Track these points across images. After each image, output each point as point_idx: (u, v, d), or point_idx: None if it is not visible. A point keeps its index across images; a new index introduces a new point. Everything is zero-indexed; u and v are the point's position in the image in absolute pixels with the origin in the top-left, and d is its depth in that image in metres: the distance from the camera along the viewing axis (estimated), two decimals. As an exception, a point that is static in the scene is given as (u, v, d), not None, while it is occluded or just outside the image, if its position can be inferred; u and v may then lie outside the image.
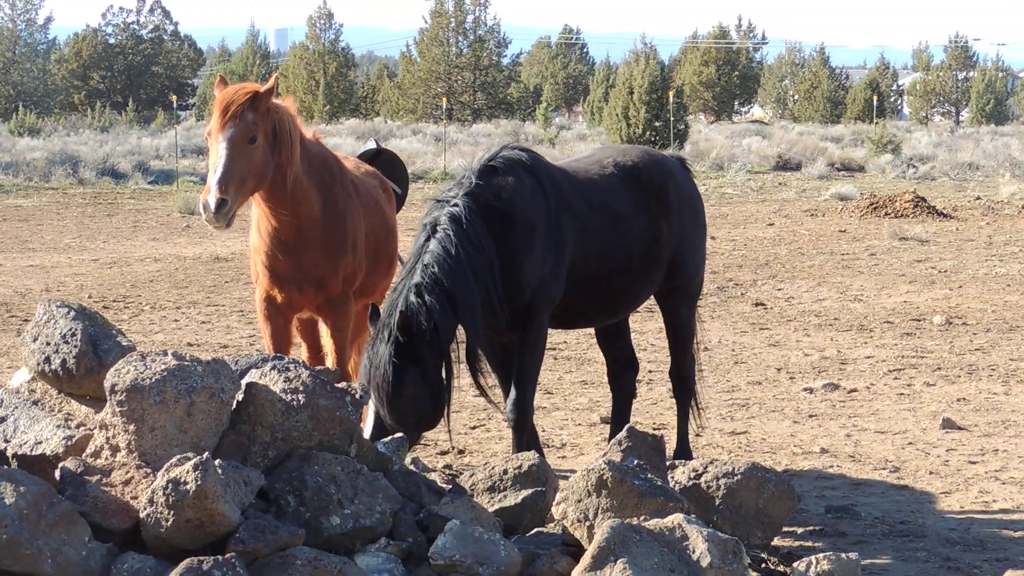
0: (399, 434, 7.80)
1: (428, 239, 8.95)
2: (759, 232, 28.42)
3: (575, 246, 9.36)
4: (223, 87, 9.12)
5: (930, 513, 9.45)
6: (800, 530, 8.81)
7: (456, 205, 8.99)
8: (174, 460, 6.32)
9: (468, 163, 9.53)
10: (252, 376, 7.03)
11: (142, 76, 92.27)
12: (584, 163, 10.05)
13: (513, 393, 9.26)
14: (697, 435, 11.25)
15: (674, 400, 10.74)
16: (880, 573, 8.17)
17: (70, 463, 6.56)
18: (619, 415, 10.36)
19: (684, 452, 10.23)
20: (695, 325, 10.57)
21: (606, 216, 9.60)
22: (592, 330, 10.95)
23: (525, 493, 7.27)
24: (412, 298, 8.71)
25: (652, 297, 10.40)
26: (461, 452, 11.06)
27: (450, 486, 7.34)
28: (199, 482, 6.15)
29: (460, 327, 8.90)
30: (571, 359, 14.82)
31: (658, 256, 9.90)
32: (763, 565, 7.47)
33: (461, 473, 8.64)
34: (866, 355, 15.17)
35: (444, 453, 10.99)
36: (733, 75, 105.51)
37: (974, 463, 10.78)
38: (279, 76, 10.47)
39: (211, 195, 8.75)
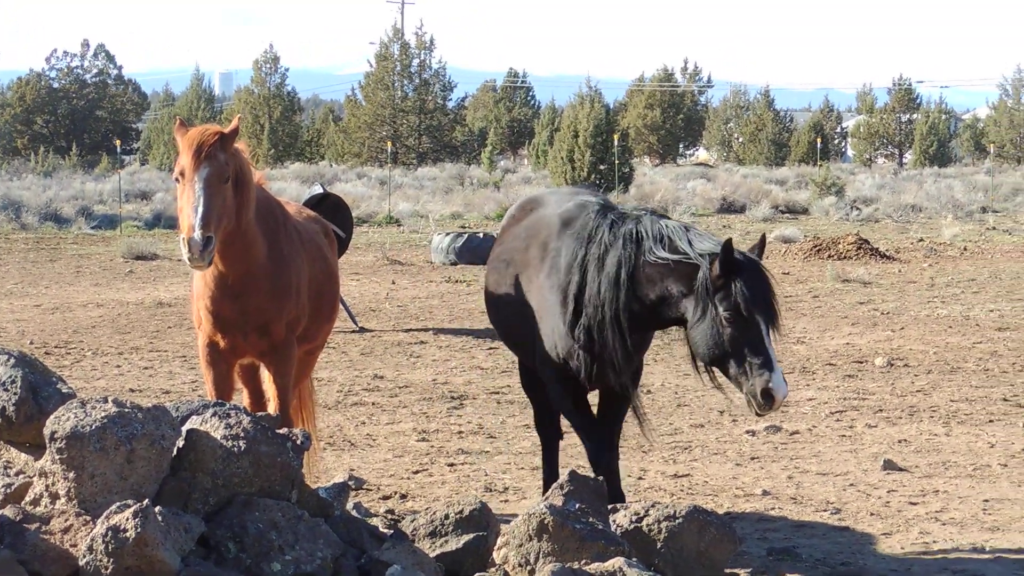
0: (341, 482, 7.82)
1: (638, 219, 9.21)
2: (703, 275, 28.47)
3: None
4: (184, 129, 9.05)
5: (871, 554, 9.51)
6: (742, 572, 8.83)
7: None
8: (114, 507, 6.30)
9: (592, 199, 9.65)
10: (193, 423, 7.02)
11: (86, 120, 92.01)
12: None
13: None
14: (640, 478, 11.28)
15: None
16: (821, 615, 8.22)
17: (9, 511, 6.53)
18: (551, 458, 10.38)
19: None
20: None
21: None
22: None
23: (466, 538, 7.27)
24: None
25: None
26: (403, 497, 11.04)
27: (391, 531, 7.34)
28: (139, 529, 6.13)
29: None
30: (514, 403, 14.82)
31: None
32: (704, 608, 7.50)
33: (403, 518, 8.64)
34: (808, 397, 15.25)
35: (386, 498, 10.98)
36: (678, 118, 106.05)
37: (915, 504, 10.85)
38: (240, 118, 10.26)
39: (196, 233, 8.59)
